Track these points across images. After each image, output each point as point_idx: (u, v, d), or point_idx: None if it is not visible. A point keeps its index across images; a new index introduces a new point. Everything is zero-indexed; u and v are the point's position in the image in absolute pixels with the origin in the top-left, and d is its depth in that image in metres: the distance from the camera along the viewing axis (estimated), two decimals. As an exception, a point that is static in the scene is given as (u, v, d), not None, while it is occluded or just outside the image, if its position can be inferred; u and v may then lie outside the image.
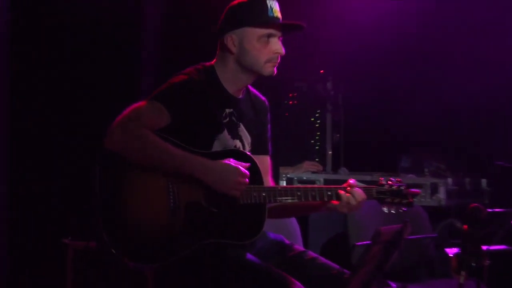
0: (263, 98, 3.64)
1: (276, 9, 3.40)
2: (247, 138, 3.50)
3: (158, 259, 3.25)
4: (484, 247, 3.34)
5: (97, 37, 5.28)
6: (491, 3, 5.69)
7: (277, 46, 3.39)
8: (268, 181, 3.53)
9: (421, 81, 5.92)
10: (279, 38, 3.42)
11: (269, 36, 3.38)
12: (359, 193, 3.35)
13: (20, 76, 5.14)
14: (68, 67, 5.27)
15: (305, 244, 4.66)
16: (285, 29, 3.43)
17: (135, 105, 3.28)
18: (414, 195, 3.41)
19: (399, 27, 5.78)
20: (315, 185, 3.47)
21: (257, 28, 3.37)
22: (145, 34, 5.40)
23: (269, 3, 3.38)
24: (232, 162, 3.24)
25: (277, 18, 3.39)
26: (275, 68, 3.42)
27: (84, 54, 5.28)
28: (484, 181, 5.63)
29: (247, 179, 3.24)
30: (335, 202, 3.37)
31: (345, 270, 3.30)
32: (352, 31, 5.72)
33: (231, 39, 3.40)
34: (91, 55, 5.28)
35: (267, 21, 3.37)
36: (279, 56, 3.41)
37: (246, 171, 3.24)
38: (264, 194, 3.30)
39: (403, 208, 3.39)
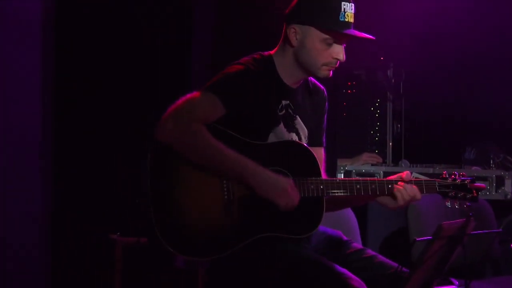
0: (322, 87, 3.54)
1: (349, 13, 3.26)
2: (303, 130, 3.42)
3: (211, 253, 3.18)
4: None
5: (147, 25, 5.26)
6: None
7: (338, 51, 3.27)
8: (321, 174, 3.42)
9: (488, 69, 5.80)
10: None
11: (334, 41, 3.27)
12: (408, 189, 3.25)
13: (67, 69, 5.12)
14: (117, 57, 5.24)
15: (364, 239, 4.59)
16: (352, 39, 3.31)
17: (189, 95, 3.20)
18: (479, 189, 3.32)
19: (466, 11, 5.65)
20: (375, 178, 3.35)
21: (323, 30, 3.25)
22: (196, 21, 5.37)
23: (343, 6, 3.24)
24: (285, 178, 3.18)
25: (348, 23, 3.25)
26: (331, 72, 3.32)
27: (133, 44, 5.25)
28: (554, 173, 5.48)
29: (297, 196, 3.16)
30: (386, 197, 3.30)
31: (404, 269, 3.19)
32: (415, 15, 5.61)
33: (295, 32, 3.28)
34: (141, 45, 5.25)
35: (336, 27, 3.24)
36: (338, 61, 3.30)
37: (298, 192, 3.17)
38: (322, 187, 3.22)
39: (467, 203, 3.30)
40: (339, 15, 3.23)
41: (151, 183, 3.17)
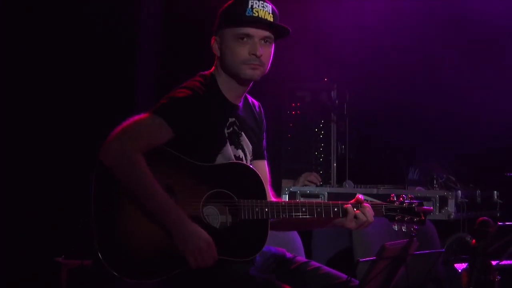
0: (257, 102, 3.56)
1: (259, 9, 3.29)
2: (248, 146, 3.43)
3: (155, 276, 3.14)
4: (494, 262, 3.28)
5: (94, 41, 5.22)
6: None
7: (253, 46, 3.28)
8: (268, 189, 3.43)
9: (431, 91, 5.86)
10: (265, 40, 3.30)
11: (247, 36, 3.28)
12: (369, 210, 3.27)
13: (14, 84, 5.06)
14: (63, 74, 5.19)
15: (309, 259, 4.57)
16: (267, 29, 3.31)
17: (136, 118, 3.19)
18: (427, 213, 3.34)
19: (408, 35, 5.71)
20: (321, 201, 3.36)
21: (233, 27, 3.28)
22: (142, 39, 5.35)
23: (251, 2, 3.28)
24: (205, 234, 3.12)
25: (257, 18, 3.28)
26: (255, 71, 3.30)
27: (80, 59, 5.21)
28: (495, 193, 5.53)
29: (212, 257, 3.11)
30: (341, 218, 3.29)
31: (353, 279, 3.20)
32: (358, 37, 5.67)
33: (215, 42, 3.35)
34: (87, 59, 5.22)
35: (242, 20, 3.28)
36: (258, 58, 3.28)
37: (215, 253, 3.12)
38: (266, 210, 3.21)
39: (415, 227, 3.32)
40: (246, 10, 3.27)
41: (95, 203, 3.13)
